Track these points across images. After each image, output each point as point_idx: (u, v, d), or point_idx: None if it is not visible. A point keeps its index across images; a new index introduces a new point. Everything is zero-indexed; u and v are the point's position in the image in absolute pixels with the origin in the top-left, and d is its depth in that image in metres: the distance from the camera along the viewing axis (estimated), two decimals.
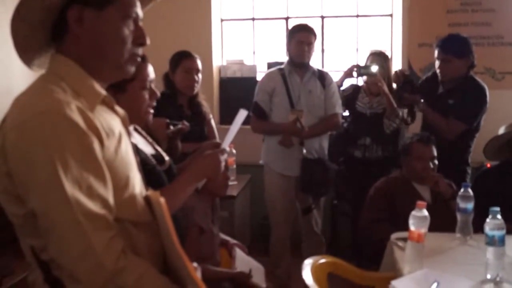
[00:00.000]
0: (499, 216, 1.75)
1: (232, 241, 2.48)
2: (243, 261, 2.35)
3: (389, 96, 3.18)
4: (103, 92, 1.12)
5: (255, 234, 3.96)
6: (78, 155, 0.99)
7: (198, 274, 1.22)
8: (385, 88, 3.18)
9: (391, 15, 4.28)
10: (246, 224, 3.90)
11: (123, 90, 1.48)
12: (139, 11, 1.15)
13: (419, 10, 3.97)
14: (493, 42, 3.58)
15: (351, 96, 3.38)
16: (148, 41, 1.16)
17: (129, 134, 1.21)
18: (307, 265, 2.05)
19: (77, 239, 0.98)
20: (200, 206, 2.21)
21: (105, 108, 1.14)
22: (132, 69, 1.17)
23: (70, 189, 0.97)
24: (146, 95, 1.56)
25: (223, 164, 1.48)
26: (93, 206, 1.00)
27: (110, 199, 1.04)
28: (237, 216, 3.41)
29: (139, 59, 1.17)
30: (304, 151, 3.05)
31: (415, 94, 3.02)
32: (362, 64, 3.35)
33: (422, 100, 3.05)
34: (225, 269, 2.28)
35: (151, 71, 1.59)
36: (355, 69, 3.29)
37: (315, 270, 2.02)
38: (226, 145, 1.52)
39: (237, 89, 4.13)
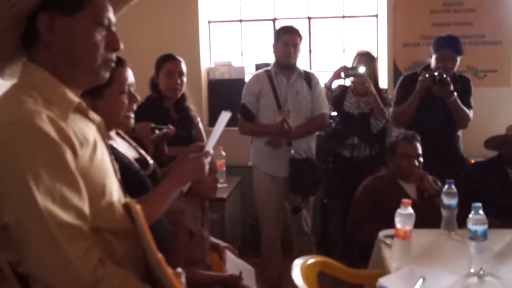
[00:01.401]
0: (481, 212, 1.79)
1: (222, 244, 2.49)
2: (234, 264, 2.36)
3: (376, 96, 3.22)
4: (76, 99, 1.11)
5: (246, 235, 3.98)
6: (50, 166, 0.97)
7: (182, 279, 1.21)
8: (372, 89, 3.23)
9: (376, 16, 4.32)
10: (236, 226, 3.91)
11: (100, 96, 1.47)
12: (111, 16, 1.14)
13: (404, 11, 4.02)
14: (475, 41, 3.65)
15: (338, 97, 3.43)
16: (121, 46, 1.15)
17: (105, 141, 1.20)
18: (297, 265, 2.06)
19: (52, 251, 0.96)
20: (189, 210, 2.22)
21: (79, 116, 1.12)
22: (106, 74, 1.16)
23: (42, 201, 0.95)
24: (125, 99, 1.54)
25: (207, 167, 1.48)
26: (67, 217, 0.98)
27: (85, 209, 1.03)
28: (228, 218, 3.42)
29: (113, 64, 1.16)
30: (292, 151, 3.08)
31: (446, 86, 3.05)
32: (349, 65, 3.40)
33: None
34: (216, 272, 2.29)
35: (129, 75, 1.58)
36: (343, 70, 3.33)
37: (305, 270, 2.04)
38: (210, 147, 1.52)
39: (225, 91, 4.14)
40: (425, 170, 2.79)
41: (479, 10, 3.94)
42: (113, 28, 1.15)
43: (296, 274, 1.99)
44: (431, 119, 3.07)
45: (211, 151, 1.51)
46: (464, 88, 3.12)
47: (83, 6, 1.08)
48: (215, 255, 2.44)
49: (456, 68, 3.11)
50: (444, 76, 2.96)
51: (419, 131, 2.98)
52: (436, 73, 2.98)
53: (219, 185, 3.32)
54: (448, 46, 3.06)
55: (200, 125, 3.01)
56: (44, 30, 1.06)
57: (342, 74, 3.35)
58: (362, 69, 3.25)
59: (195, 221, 2.24)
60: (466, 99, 3.10)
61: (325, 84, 3.42)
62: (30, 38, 1.08)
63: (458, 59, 3.08)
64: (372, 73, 3.35)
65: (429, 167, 2.86)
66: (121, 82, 1.53)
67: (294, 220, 3.26)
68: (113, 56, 1.16)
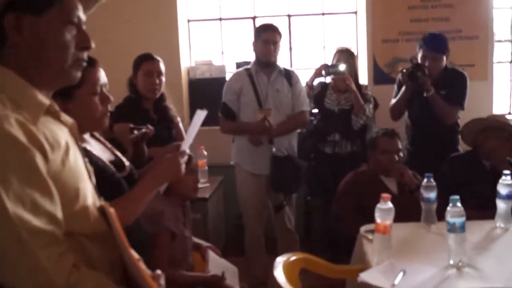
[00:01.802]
0: (458, 204, 1.82)
1: (205, 244, 2.48)
2: (217, 264, 2.35)
3: (356, 94, 3.25)
4: (46, 101, 1.08)
5: (230, 234, 3.97)
6: (19, 171, 0.95)
7: (161, 282, 1.21)
8: (353, 86, 3.26)
9: (355, 13, 4.34)
10: (220, 225, 3.91)
11: (70, 98, 1.44)
12: (81, 14, 1.12)
13: (382, 7, 4.05)
14: (452, 36, 3.69)
15: (319, 94, 3.44)
16: (92, 45, 1.13)
17: (78, 143, 1.17)
18: (279, 263, 2.07)
19: (24, 257, 0.94)
20: (170, 210, 2.20)
21: (50, 118, 1.10)
22: (77, 74, 1.13)
23: (12, 207, 0.93)
24: (97, 100, 1.51)
25: (183, 166, 1.47)
26: (38, 222, 0.96)
27: (58, 213, 1.01)
28: (211, 217, 3.41)
29: (84, 64, 1.14)
30: (274, 149, 3.08)
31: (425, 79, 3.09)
32: (330, 62, 3.42)
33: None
34: (199, 273, 2.28)
35: (102, 75, 1.54)
36: (323, 68, 3.34)
37: (287, 267, 2.05)
38: (186, 147, 1.51)
39: (206, 90, 4.12)
40: (418, 163, 2.89)
41: (456, 5, 3.99)
42: (84, 27, 1.13)
43: (279, 272, 1.99)
44: (423, 113, 3.13)
45: (187, 151, 1.51)
46: (454, 83, 3.15)
47: (51, 5, 1.06)
48: (198, 255, 2.43)
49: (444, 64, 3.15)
50: (416, 71, 3.01)
51: (413, 125, 3.05)
52: (405, 70, 3.07)
53: (201, 185, 3.34)
54: (429, 45, 3.11)
55: (181, 125, 3.00)
56: (11, 31, 1.03)
57: (323, 72, 3.36)
58: (342, 67, 3.27)
59: (176, 221, 2.22)
60: (453, 95, 3.12)
61: (307, 83, 3.43)
62: None
63: (444, 57, 3.13)
64: (352, 70, 3.37)
65: (421, 160, 2.93)
66: (93, 83, 1.49)
67: (278, 218, 3.27)
68: (84, 55, 1.14)
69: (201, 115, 1.51)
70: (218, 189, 3.68)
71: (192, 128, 1.51)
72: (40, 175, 0.98)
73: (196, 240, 2.48)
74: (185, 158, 1.48)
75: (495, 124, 2.75)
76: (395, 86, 3.36)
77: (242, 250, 3.33)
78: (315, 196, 3.70)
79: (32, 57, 1.06)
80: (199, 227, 3.10)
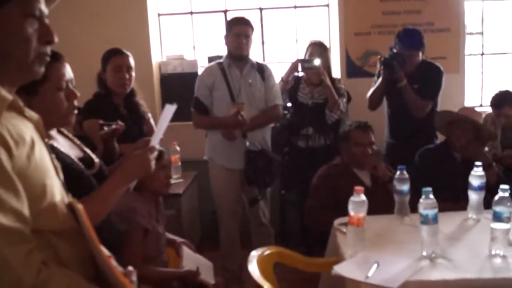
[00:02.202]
0: (431, 196, 1.83)
1: (179, 239, 2.47)
2: (191, 259, 2.34)
3: (331, 89, 3.26)
4: (9, 97, 1.05)
5: (205, 229, 3.95)
6: None
7: (133, 278, 1.20)
8: (327, 81, 3.27)
9: (327, 6, 4.35)
10: (195, 220, 3.88)
11: (35, 94, 1.40)
12: (43, 7, 1.09)
13: (354, 0, 4.05)
14: (424, 29, 3.72)
15: (292, 88, 3.44)
16: (55, 39, 1.10)
17: (44, 139, 1.15)
18: (253, 257, 2.06)
19: None
20: (142, 207, 2.18)
21: (14, 114, 1.06)
22: (40, 69, 1.10)
23: None
24: (62, 96, 1.47)
25: (153, 162, 1.44)
26: (4, 220, 0.94)
27: (25, 210, 0.99)
28: (185, 213, 3.38)
29: (48, 59, 1.11)
30: (247, 143, 3.06)
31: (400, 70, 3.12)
32: (303, 55, 3.42)
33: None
34: (173, 269, 2.27)
35: (67, 70, 1.50)
36: (299, 63, 3.32)
37: (261, 261, 2.04)
38: (155, 142, 1.48)
39: (178, 85, 4.07)
40: (397, 156, 2.97)
41: None
42: (46, 20, 1.09)
43: (253, 266, 1.98)
44: (401, 105, 3.16)
45: (157, 146, 1.48)
46: (428, 77, 3.18)
47: None
48: (172, 251, 2.41)
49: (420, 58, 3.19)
50: (392, 60, 3.04)
51: (392, 117, 3.20)
52: (383, 58, 3.11)
53: (174, 181, 3.30)
54: (405, 42, 3.13)
55: (152, 121, 2.94)
56: None
57: (299, 67, 3.34)
58: (317, 61, 3.28)
59: (149, 218, 2.20)
60: (425, 88, 3.15)
61: (282, 78, 3.42)
62: None
63: (419, 53, 3.16)
64: (326, 64, 3.37)
65: (401, 153, 2.95)
66: (58, 78, 1.45)
67: (252, 212, 3.26)
68: (48, 49, 1.10)
69: (170, 109, 1.48)
70: (192, 184, 3.65)
71: (161, 123, 1.48)
72: (5, 172, 0.96)
73: (170, 236, 2.46)
74: (155, 153, 1.45)
75: (459, 118, 2.79)
76: (375, 76, 3.37)
77: (217, 245, 3.32)
78: (289, 189, 3.70)
79: None
80: (174, 223, 3.08)
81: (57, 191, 1.11)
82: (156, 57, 4.26)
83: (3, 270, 0.93)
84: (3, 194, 0.95)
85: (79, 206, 1.10)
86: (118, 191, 1.38)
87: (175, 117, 1.54)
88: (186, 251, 2.39)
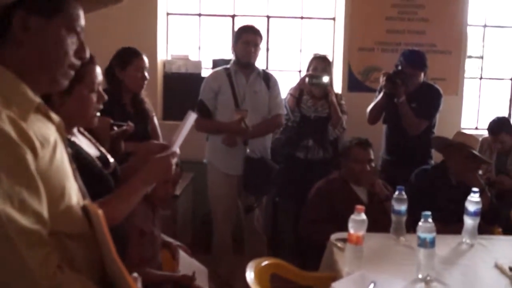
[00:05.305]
0: (430, 220, 1.87)
1: (175, 242, 2.46)
2: (187, 264, 2.35)
3: (336, 106, 3.31)
4: (37, 99, 1.07)
5: (197, 231, 3.95)
6: (10, 168, 0.93)
7: (138, 285, 1.20)
8: (334, 99, 3.31)
9: (334, 19, 4.39)
10: (188, 221, 3.89)
11: (69, 92, 1.41)
12: (82, 23, 1.13)
13: (360, 16, 4.11)
14: (426, 49, 3.78)
15: (296, 98, 3.45)
16: (87, 55, 1.15)
17: (65, 142, 1.16)
18: (251, 267, 2.08)
19: (10, 257, 0.93)
20: (140, 208, 2.17)
21: (39, 116, 1.09)
22: (65, 83, 1.14)
23: (1, 204, 0.91)
24: (94, 98, 1.50)
25: (173, 167, 1.45)
26: (26, 221, 0.94)
27: (45, 213, 0.99)
28: (180, 214, 3.40)
29: (72, 73, 1.14)
30: (248, 150, 3.09)
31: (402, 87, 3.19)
32: (305, 66, 3.45)
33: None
34: (169, 272, 2.26)
35: (99, 73, 1.53)
36: (307, 78, 3.35)
37: (258, 271, 2.06)
38: (176, 147, 1.49)
39: (181, 85, 4.08)
40: (393, 173, 2.99)
41: (432, 20, 4.10)
42: (83, 36, 1.14)
43: (250, 276, 2.00)
44: (399, 123, 3.22)
45: (178, 152, 1.49)
46: (427, 97, 3.25)
47: (60, 11, 1.07)
48: (166, 253, 2.41)
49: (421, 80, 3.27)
50: (396, 76, 3.12)
51: (390, 134, 3.26)
52: (385, 72, 3.19)
53: None
54: (409, 61, 3.21)
55: (155, 119, 2.95)
56: (18, 28, 1.03)
57: (307, 81, 3.35)
58: (326, 79, 3.28)
59: (146, 220, 2.20)
60: (422, 108, 3.21)
61: (291, 94, 3.40)
62: None
63: (421, 74, 3.24)
64: (330, 79, 3.40)
65: (396, 170, 2.99)
66: (92, 80, 1.49)
67: (247, 219, 3.28)
68: (78, 64, 1.14)
69: (191, 117, 1.50)
70: (188, 186, 3.66)
71: (182, 130, 1.49)
72: (30, 173, 0.97)
73: (166, 238, 2.46)
74: (176, 159, 1.46)
75: (455, 144, 2.84)
76: (377, 91, 3.43)
77: (208, 248, 3.32)
78: (284, 198, 3.72)
79: (32, 58, 1.06)
80: (168, 224, 3.08)
81: (73, 194, 1.13)
82: (162, 55, 4.27)
83: (21, 273, 0.94)
84: (26, 195, 0.95)
85: (97, 210, 1.10)
86: (140, 193, 1.39)
87: (175, 117, 1.54)
88: (182, 255, 2.40)
